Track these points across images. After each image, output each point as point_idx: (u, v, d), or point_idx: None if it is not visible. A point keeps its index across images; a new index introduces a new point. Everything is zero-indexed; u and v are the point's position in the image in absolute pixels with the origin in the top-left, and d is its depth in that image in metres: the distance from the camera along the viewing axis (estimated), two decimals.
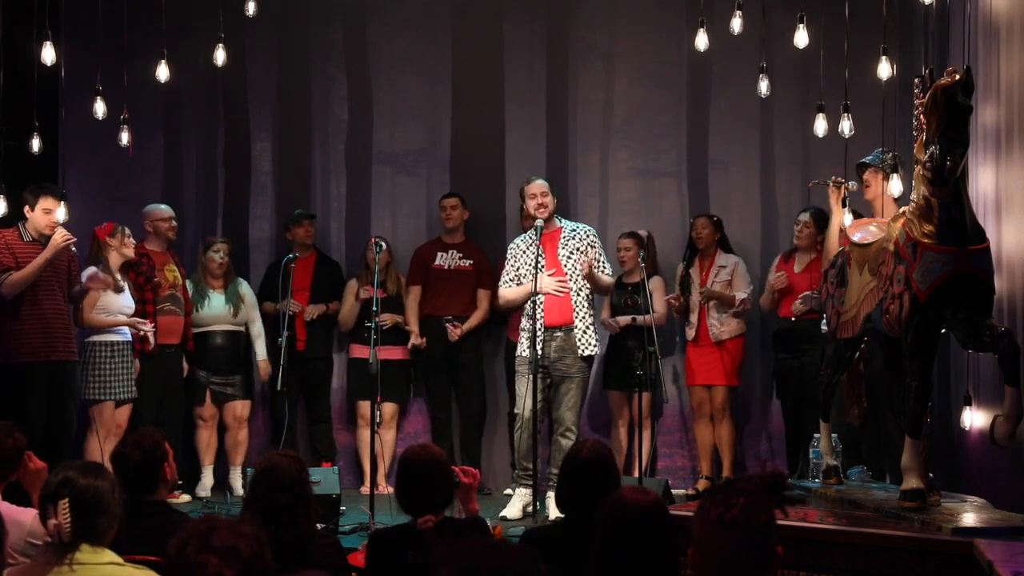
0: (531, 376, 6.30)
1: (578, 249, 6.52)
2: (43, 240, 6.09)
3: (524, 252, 6.61)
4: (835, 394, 5.17)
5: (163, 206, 7.22)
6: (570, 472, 3.54)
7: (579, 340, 6.45)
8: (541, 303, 6.40)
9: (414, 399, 7.73)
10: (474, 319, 7.40)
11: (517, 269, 6.63)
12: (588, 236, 6.60)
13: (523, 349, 6.53)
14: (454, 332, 7.32)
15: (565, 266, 6.50)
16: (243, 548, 2.23)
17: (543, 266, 6.46)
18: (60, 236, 6.00)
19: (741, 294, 7.01)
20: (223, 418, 7.37)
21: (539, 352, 6.32)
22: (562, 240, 6.54)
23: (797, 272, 6.83)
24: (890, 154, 5.25)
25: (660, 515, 2.80)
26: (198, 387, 7.25)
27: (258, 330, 7.41)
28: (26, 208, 6.09)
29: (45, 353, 6.06)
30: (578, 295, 6.49)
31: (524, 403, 6.40)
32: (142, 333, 6.63)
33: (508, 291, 6.70)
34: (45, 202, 6.06)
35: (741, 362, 7.15)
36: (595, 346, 6.54)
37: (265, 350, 7.36)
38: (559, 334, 6.43)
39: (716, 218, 7.23)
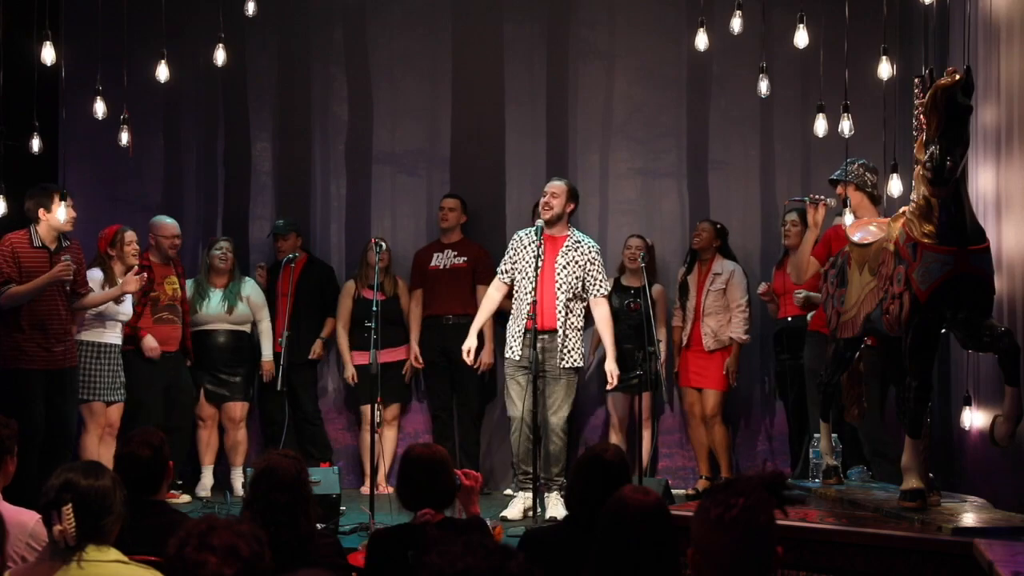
0: (530, 377, 6.34)
1: (575, 262, 6.50)
2: (53, 244, 6.14)
3: (525, 248, 6.59)
4: (835, 394, 5.16)
5: (169, 221, 7.16)
6: (589, 472, 3.53)
7: (561, 347, 6.45)
8: (529, 305, 6.38)
9: (414, 399, 7.72)
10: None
11: (514, 262, 6.62)
12: (590, 252, 6.55)
13: (506, 350, 6.58)
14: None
15: (558, 275, 6.49)
16: (242, 547, 2.22)
17: (540, 267, 6.46)
18: (64, 270, 6.04)
19: (738, 335, 7.01)
20: (220, 419, 7.37)
21: (524, 354, 6.40)
22: (563, 249, 6.52)
23: (789, 274, 6.82)
24: (855, 164, 5.25)
25: (661, 515, 2.80)
26: (194, 386, 7.24)
27: (264, 329, 7.39)
28: (40, 211, 6.10)
29: (44, 360, 6.09)
30: (566, 306, 6.48)
31: (523, 405, 6.43)
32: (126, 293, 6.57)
33: (487, 301, 6.73)
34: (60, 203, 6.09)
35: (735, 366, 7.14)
36: (578, 359, 6.51)
37: (271, 350, 7.34)
38: (543, 337, 6.42)
39: (719, 225, 7.22)
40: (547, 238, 6.54)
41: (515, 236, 6.73)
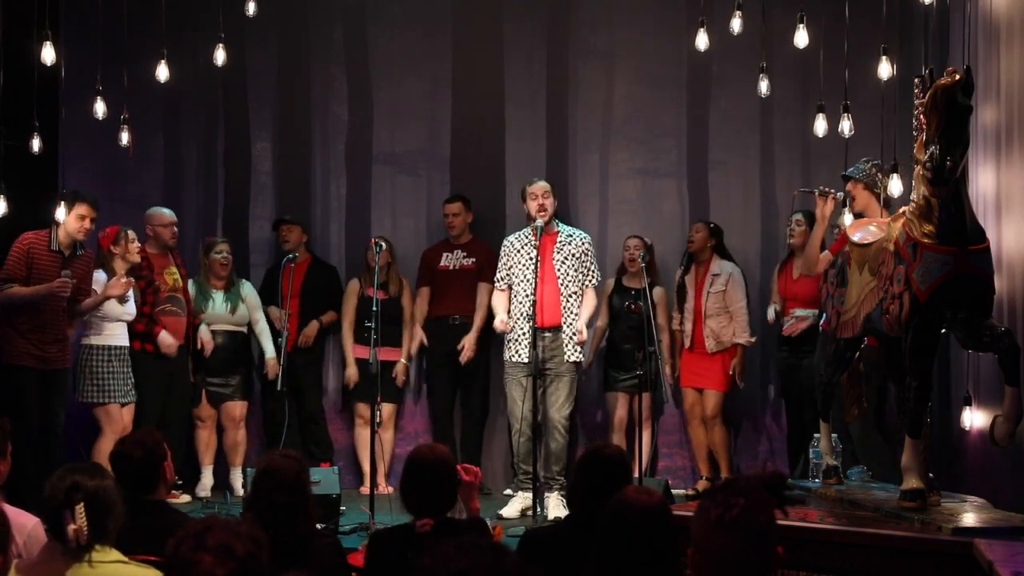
0: (530, 377, 6.34)
1: (573, 255, 6.56)
2: (68, 250, 6.17)
3: (518, 251, 6.66)
4: (835, 394, 5.16)
5: (165, 210, 7.18)
6: (591, 471, 3.52)
7: (566, 344, 6.48)
8: (533, 304, 6.42)
9: (414, 399, 7.72)
10: (478, 320, 7.32)
11: (509, 268, 6.67)
12: (584, 243, 6.68)
13: (511, 354, 6.59)
14: (466, 353, 7.27)
15: (559, 271, 6.51)
16: (238, 547, 2.22)
17: (538, 268, 6.48)
18: (61, 287, 6.06)
19: (744, 339, 7.01)
20: (220, 419, 7.37)
21: (532, 356, 6.41)
22: (557, 244, 6.55)
23: (795, 279, 6.82)
24: (869, 163, 5.24)
25: (663, 516, 2.80)
26: (194, 387, 7.23)
27: (262, 328, 7.39)
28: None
29: (38, 360, 6.11)
30: (568, 300, 6.52)
31: (522, 408, 6.45)
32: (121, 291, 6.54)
33: (496, 300, 6.74)
34: (80, 208, 6.16)
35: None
36: (579, 353, 6.59)
37: (273, 348, 7.32)
38: (548, 335, 6.47)
39: (713, 224, 7.20)
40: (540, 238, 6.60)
41: (505, 242, 6.81)
